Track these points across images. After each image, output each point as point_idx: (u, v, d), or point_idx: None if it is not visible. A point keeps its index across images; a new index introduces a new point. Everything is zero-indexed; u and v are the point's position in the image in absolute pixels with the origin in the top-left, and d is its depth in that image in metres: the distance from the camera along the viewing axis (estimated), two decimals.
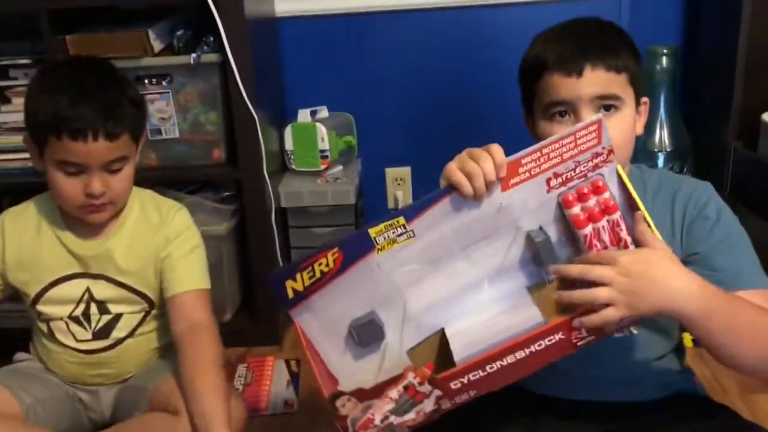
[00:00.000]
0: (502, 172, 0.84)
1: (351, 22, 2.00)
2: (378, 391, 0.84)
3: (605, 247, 0.85)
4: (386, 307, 0.88)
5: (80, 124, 1.15)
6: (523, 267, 0.89)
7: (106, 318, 1.31)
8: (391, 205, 2.13)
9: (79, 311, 1.30)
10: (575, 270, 0.84)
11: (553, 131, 0.98)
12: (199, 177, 1.77)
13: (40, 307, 1.30)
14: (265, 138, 1.68)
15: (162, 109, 1.67)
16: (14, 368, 1.35)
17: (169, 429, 1.20)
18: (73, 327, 1.31)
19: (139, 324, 1.34)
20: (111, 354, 1.33)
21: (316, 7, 1.98)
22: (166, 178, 1.71)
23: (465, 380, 0.82)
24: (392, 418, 0.84)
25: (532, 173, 0.85)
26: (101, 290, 1.30)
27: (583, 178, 0.86)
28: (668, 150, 1.97)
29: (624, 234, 0.85)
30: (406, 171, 2.11)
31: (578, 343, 0.83)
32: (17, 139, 1.74)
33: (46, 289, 1.29)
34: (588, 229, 0.85)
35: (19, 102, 1.73)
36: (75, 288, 1.29)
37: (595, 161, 0.86)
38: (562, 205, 0.86)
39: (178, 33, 1.67)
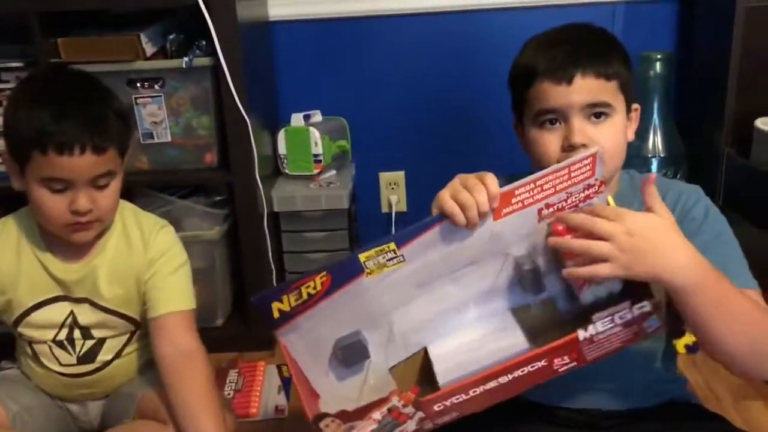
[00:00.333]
0: (496, 203, 0.84)
1: (345, 26, 1.99)
2: (362, 413, 0.84)
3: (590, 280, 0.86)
4: (372, 327, 0.88)
5: (67, 138, 1.10)
6: (510, 291, 0.90)
7: (90, 343, 1.27)
8: (384, 209, 2.12)
9: (62, 336, 1.26)
10: (578, 217, 0.83)
11: (543, 139, 0.98)
12: (191, 181, 1.76)
13: (22, 330, 1.27)
14: (258, 142, 1.67)
15: (154, 113, 1.66)
16: (0, 375, 1.32)
17: None
18: (57, 351, 1.27)
19: (125, 345, 1.30)
20: (97, 377, 1.29)
21: (309, 12, 1.97)
22: (158, 182, 1.70)
23: (448, 403, 0.83)
24: None
25: (525, 203, 0.85)
26: (85, 314, 1.25)
27: (573, 208, 0.86)
28: (661, 156, 1.97)
29: None
30: (399, 175, 2.10)
31: (560, 370, 0.84)
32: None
33: (27, 313, 1.24)
34: (575, 260, 0.85)
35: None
36: (58, 312, 1.25)
37: (587, 192, 0.86)
38: (552, 235, 0.86)
39: (171, 37, 1.66)
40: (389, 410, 0.84)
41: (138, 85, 1.65)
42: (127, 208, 1.30)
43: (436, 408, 0.83)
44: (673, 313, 0.86)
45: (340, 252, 1.91)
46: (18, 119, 1.14)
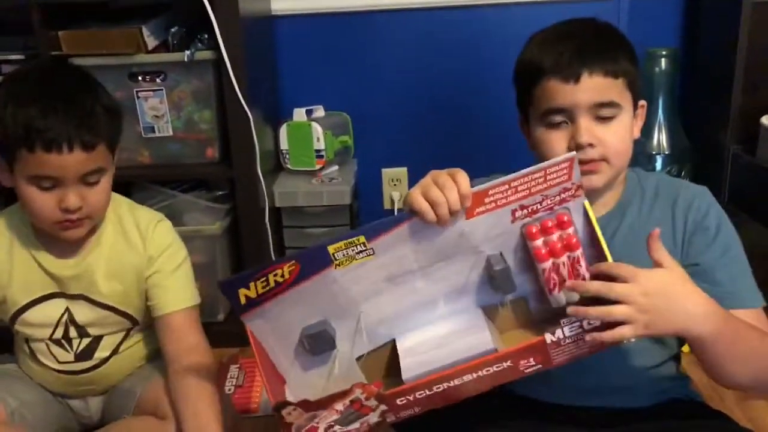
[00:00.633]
0: (467, 202, 0.83)
1: (348, 20, 1.98)
2: (324, 403, 0.84)
3: (563, 281, 0.86)
4: (340, 318, 0.88)
5: (54, 135, 1.07)
6: (479, 289, 0.90)
7: (87, 340, 1.26)
8: (387, 206, 2.11)
9: (59, 334, 1.25)
10: (594, 286, 0.83)
11: (550, 139, 0.97)
12: (193, 175, 1.75)
13: (19, 327, 1.25)
14: (260, 137, 1.66)
15: (155, 107, 1.65)
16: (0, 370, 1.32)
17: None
18: (55, 349, 1.26)
19: (122, 341, 1.29)
20: (95, 374, 1.29)
21: (312, 6, 1.96)
22: (159, 177, 1.69)
23: (411, 397, 0.83)
24: (336, 428, 0.85)
25: (498, 204, 0.85)
26: (81, 311, 1.24)
27: (549, 211, 0.86)
28: (666, 153, 1.96)
29: (583, 270, 0.86)
30: (402, 172, 2.09)
31: (525, 371, 0.84)
32: None
33: (22, 311, 1.23)
34: (548, 264, 0.85)
35: None
36: (53, 309, 1.24)
37: (563, 196, 0.86)
38: (525, 236, 0.86)
39: (173, 30, 1.65)
40: (351, 402, 0.83)
41: (139, 78, 1.64)
42: (122, 203, 1.28)
43: (398, 402, 0.84)
44: None
45: None
46: (5, 116, 1.10)
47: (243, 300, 0.84)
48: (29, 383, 1.31)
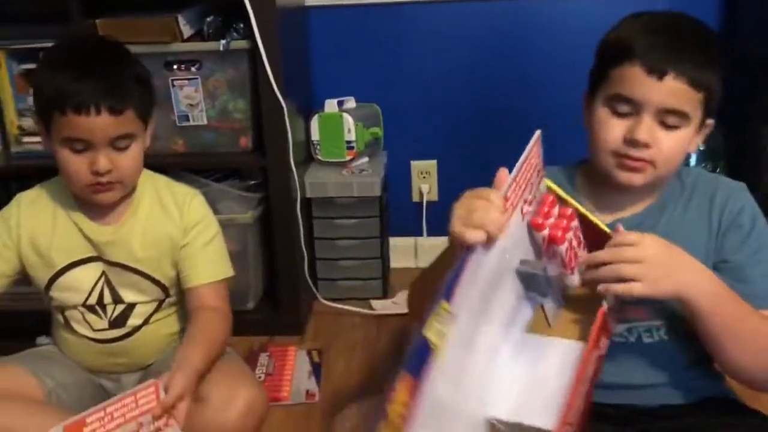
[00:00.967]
0: (507, 212, 0.80)
1: (380, 12, 1.97)
2: None
3: (576, 255, 0.87)
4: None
5: (82, 98, 1.14)
6: (521, 309, 0.86)
7: (120, 307, 1.30)
8: (415, 198, 2.11)
9: (93, 299, 1.29)
10: (605, 254, 0.86)
11: (609, 124, 0.96)
12: (226, 164, 1.77)
13: (54, 294, 1.29)
14: (292, 127, 1.67)
15: (190, 96, 1.66)
16: (37, 351, 1.35)
17: (192, 416, 1.19)
18: (89, 317, 1.30)
19: (154, 312, 1.33)
20: (128, 342, 1.32)
21: None
22: (193, 165, 1.70)
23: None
24: None
25: (514, 205, 0.82)
26: (116, 277, 1.29)
27: (532, 188, 0.86)
28: (700, 149, 1.93)
29: (580, 234, 0.88)
30: (432, 164, 2.09)
31: (603, 354, 0.85)
32: None
33: (60, 273, 1.27)
34: (565, 245, 0.85)
35: None
36: (90, 273, 1.28)
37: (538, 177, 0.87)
38: (533, 230, 0.85)
39: (208, 19, 1.66)
40: None
41: (175, 67, 1.65)
42: (160, 178, 1.35)
43: None
44: None
45: (371, 239, 1.91)
46: (42, 80, 1.20)
47: None
48: (66, 364, 1.34)
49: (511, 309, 0.85)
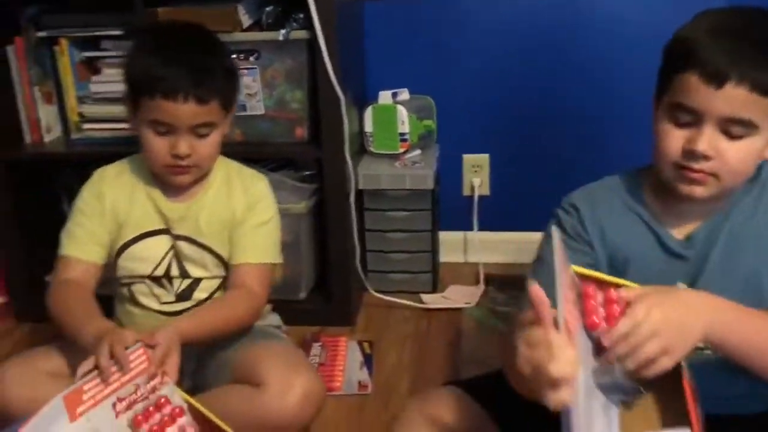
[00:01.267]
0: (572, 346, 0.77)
1: (436, 4, 1.95)
2: None
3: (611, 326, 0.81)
4: None
5: (172, 85, 1.20)
6: (612, 415, 0.83)
7: (187, 281, 1.35)
8: (466, 192, 2.09)
9: (161, 271, 1.34)
10: (622, 347, 0.79)
11: (669, 134, 0.92)
12: (281, 155, 1.77)
13: (123, 263, 1.33)
14: (348, 118, 1.67)
15: (248, 85, 1.67)
16: None
17: (248, 401, 1.21)
18: (157, 290, 1.35)
19: (218, 288, 1.37)
20: None
21: None
22: (249, 154, 1.69)
23: None
24: None
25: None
26: (184, 251, 1.34)
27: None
28: None
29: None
30: (484, 158, 2.07)
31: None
32: (108, 109, 1.78)
33: (132, 242, 1.33)
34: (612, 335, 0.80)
35: (109, 72, 1.76)
36: (160, 245, 1.33)
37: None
38: (588, 330, 0.81)
39: (267, 9, 1.66)
40: None
41: (234, 56, 1.65)
42: (232, 162, 1.41)
43: None
44: None
45: (422, 233, 1.90)
46: (135, 63, 1.26)
47: None
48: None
49: (606, 424, 0.81)
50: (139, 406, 1.06)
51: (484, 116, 2.03)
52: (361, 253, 1.85)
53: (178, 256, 1.34)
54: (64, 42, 1.76)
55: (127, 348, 1.07)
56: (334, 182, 1.70)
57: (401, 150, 1.91)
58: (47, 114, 1.82)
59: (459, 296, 1.90)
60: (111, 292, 1.42)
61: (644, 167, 1.06)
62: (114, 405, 1.02)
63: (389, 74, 1.99)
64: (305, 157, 1.77)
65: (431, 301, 1.88)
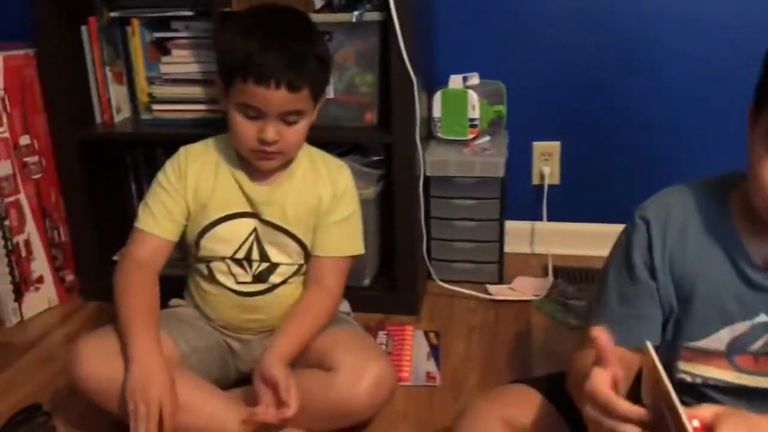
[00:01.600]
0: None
1: None
2: None
3: None
4: None
5: (266, 71, 1.18)
6: None
7: (265, 265, 1.34)
8: (535, 181, 2.03)
9: (242, 253, 1.33)
10: None
11: (762, 159, 0.83)
12: (350, 139, 1.74)
13: (205, 243, 1.33)
14: (419, 103, 1.62)
15: None
16: (170, 313, 1.38)
17: (320, 386, 1.20)
18: (235, 269, 1.35)
19: (294, 274, 1.37)
20: (266, 298, 1.36)
21: None
22: (318, 139, 1.66)
23: None
24: None
25: None
26: (266, 235, 1.33)
27: None
28: None
29: None
30: (554, 146, 2.00)
31: None
32: (177, 90, 1.77)
33: (214, 224, 1.33)
34: None
35: (179, 54, 1.76)
36: (243, 227, 1.33)
37: None
38: None
39: None
40: None
41: None
42: (314, 150, 1.40)
43: None
44: None
45: (489, 222, 1.85)
46: (231, 44, 1.23)
47: None
48: (198, 328, 1.37)
49: None
50: None
51: (555, 102, 1.97)
52: (425, 241, 1.81)
53: (260, 240, 1.33)
54: (135, 22, 1.77)
55: None
56: (403, 168, 1.66)
57: (470, 136, 1.86)
58: (117, 94, 1.83)
59: (526, 288, 1.85)
60: (183, 273, 1.42)
61: (729, 176, 0.98)
62: None
63: (459, 58, 1.94)
64: (374, 142, 1.74)
65: (497, 292, 1.83)
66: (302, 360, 1.26)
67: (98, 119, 1.83)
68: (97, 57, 1.78)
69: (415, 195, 1.69)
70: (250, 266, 1.34)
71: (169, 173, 1.33)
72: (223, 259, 1.33)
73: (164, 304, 1.39)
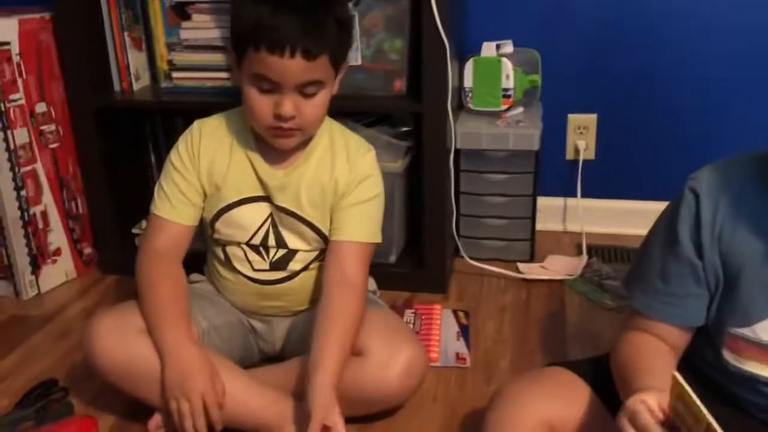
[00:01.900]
0: None
1: None
2: None
3: None
4: None
5: (279, 37, 1.07)
6: None
7: (282, 251, 1.26)
8: (569, 156, 1.94)
9: (258, 239, 1.25)
10: None
11: None
12: (377, 108, 1.67)
13: (220, 227, 1.26)
14: (451, 71, 1.54)
15: None
16: (191, 289, 1.31)
17: (351, 371, 1.13)
18: (252, 255, 1.27)
19: (315, 259, 1.29)
20: (286, 285, 1.29)
21: None
22: (344, 108, 1.59)
23: None
24: None
25: None
26: (282, 221, 1.25)
27: None
28: None
29: None
30: (590, 119, 1.91)
31: None
32: (196, 57, 1.70)
33: (228, 208, 1.25)
34: None
35: (199, 19, 1.68)
36: (259, 212, 1.25)
37: None
38: None
39: None
40: None
41: None
42: (336, 126, 1.28)
43: None
44: None
45: (521, 198, 1.77)
46: (241, 10, 1.12)
47: None
48: (219, 304, 1.32)
49: None
50: None
51: (592, 73, 1.87)
52: (455, 217, 1.74)
53: (276, 226, 1.25)
54: None
55: None
56: (433, 139, 1.58)
57: (503, 107, 1.77)
58: (136, 61, 1.76)
59: (559, 267, 1.77)
60: (203, 247, 1.36)
61: None
62: None
63: (491, 24, 1.85)
64: (403, 111, 1.66)
65: (529, 270, 1.76)
66: None
67: (116, 87, 1.76)
68: (116, 21, 1.71)
69: (445, 169, 1.61)
70: (267, 253, 1.26)
71: (182, 152, 1.24)
72: (239, 244, 1.26)
73: None
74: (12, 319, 1.64)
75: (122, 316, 1.19)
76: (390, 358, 1.13)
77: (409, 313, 1.56)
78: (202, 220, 1.28)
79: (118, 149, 1.81)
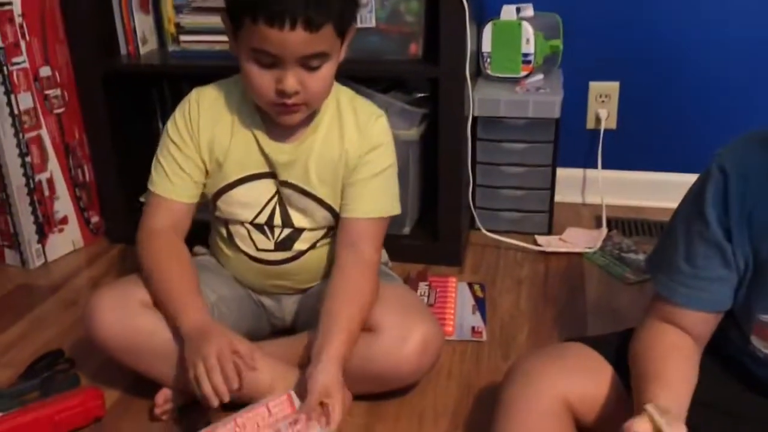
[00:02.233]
0: None
1: None
2: None
3: None
4: None
5: (278, 6, 0.98)
6: None
7: (288, 231, 1.20)
8: (590, 125, 1.88)
9: (263, 218, 1.19)
10: None
11: None
12: (392, 73, 1.60)
13: (222, 206, 1.20)
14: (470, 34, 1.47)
15: None
16: (195, 261, 1.26)
17: (362, 348, 1.09)
18: (255, 235, 1.21)
19: (322, 237, 1.23)
20: (292, 266, 1.23)
21: None
22: (357, 72, 1.53)
23: None
24: None
25: None
26: (289, 199, 1.18)
27: None
28: None
29: None
30: (613, 86, 1.83)
31: None
32: (206, 20, 1.64)
33: (231, 186, 1.18)
34: None
35: None
36: (263, 189, 1.18)
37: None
38: None
39: None
40: None
41: None
42: (343, 91, 1.20)
43: None
44: None
45: (540, 168, 1.71)
46: None
47: None
48: (225, 277, 1.27)
49: None
50: None
51: (616, 39, 1.79)
52: (471, 187, 1.68)
53: (283, 204, 1.19)
54: None
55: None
56: (450, 106, 1.52)
57: (523, 73, 1.70)
58: (143, 24, 1.71)
59: (578, 240, 1.71)
60: (207, 218, 1.31)
61: None
62: None
63: None
64: (419, 76, 1.60)
65: (547, 243, 1.70)
66: None
67: (123, 50, 1.71)
68: None
69: (462, 137, 1.56)
70: (272, 232, 1.20)
71: (180, 125, 1.17)
72: (242, 223, 1.20)
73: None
74: (18, 288, 1.61)
75: (124, 291, 1.14)
76: (405, 336, 1.09)
77: (423, 286, 1.52)
78: (203, 196, 1.22)
79: (125, 115, 1.76)
